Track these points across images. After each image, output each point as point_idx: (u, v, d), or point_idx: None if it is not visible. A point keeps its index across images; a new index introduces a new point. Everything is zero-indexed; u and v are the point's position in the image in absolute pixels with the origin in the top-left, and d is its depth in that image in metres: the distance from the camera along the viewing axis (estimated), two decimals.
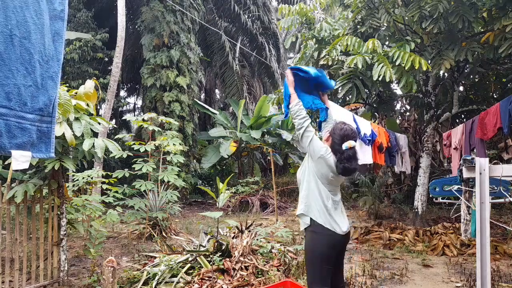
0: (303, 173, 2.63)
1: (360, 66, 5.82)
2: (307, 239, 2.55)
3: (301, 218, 2.59)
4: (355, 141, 2.54)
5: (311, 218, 2.50)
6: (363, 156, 5.85)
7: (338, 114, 4.94)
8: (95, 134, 4.12)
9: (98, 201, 5.28)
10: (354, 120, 5.44)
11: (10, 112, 1.42)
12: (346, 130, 2.54)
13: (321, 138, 2.75)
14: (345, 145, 2.46)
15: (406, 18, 6.65)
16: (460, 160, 5.16)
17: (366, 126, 5.88)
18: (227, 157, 12.39)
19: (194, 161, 12.15)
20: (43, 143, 1.58)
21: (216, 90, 20.17)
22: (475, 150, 6.06)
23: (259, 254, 4.67)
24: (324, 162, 2.50)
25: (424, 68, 5.53)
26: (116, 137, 9.52)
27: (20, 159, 1.44)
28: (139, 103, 19.49)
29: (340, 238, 2.50)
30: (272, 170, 8.87)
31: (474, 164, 2.58)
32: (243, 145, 13.17)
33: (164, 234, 6.56)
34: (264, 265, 4.34)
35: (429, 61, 6.27)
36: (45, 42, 1.53)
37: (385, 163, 6.93)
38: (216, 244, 4.36)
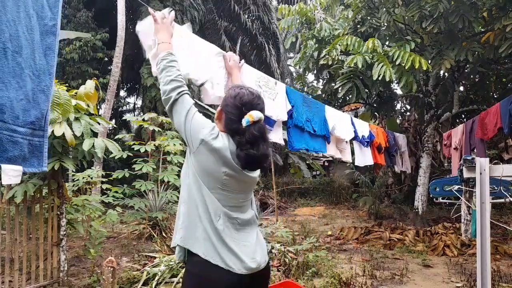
0: (185, 173, 1.59)
1: (360, 66, 5.83)
2: (183, 280, 1.56)
3: (177, 251, 1.57)
4: (262, 110, 1.56)
5: (189, 251, 1.50)
6: (363, 158, 5.85)
7: (335, 117, 4.88)
8: (95, 134, 4.11)
9: (98, 201, 5.27)
10: (352, 123, 5.39)
11: (3, 125, 1.40)
12: (244, 94, 1.55)
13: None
14: (245, 119, 1.48)
15: (406, 17, 6.65)
16: (460, 160, 5.15)
17: (364, 128, 5.84)
18: None
19: None
20: (35, 157, 1.56)
21: None
22: (475, 150, 6.06)
23: None
24: (207, 150, 1.47)
25: (424, 68, 5.53)
26: (116, 137, 9.52)
27: (11, 174, 1.42)
28: (139, 103, 19.44)
29: (240, 280, 1.46)
30: (272, 170, 8.87)
31: (475, 164, 2.57)
32: None
33: (164, 234, 6.54)
34: None
35: (429, 61, 6.27)
36: (35, 57, 1.53)
37: (385, 163, 6.93)
38: None
